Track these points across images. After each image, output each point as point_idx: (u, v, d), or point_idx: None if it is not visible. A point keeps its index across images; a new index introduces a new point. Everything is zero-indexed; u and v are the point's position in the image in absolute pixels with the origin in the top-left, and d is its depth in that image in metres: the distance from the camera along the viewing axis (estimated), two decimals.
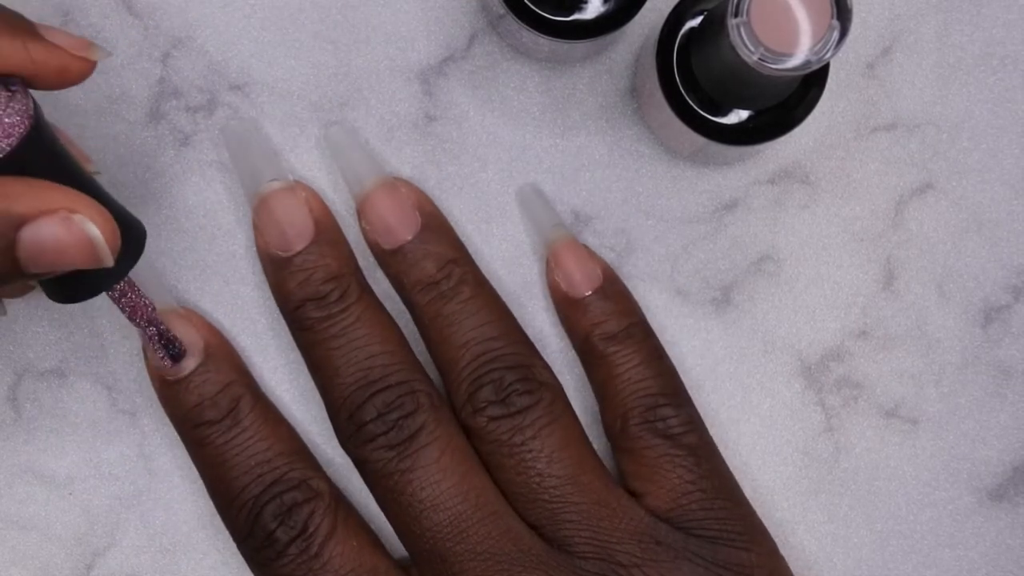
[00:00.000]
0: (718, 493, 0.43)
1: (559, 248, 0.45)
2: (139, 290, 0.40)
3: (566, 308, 0.44)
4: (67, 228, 0.35)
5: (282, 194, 0.43)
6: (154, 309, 0.40)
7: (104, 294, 0.39)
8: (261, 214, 0.43)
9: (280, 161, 0.45)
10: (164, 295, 0.44)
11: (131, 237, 0.38)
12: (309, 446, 0.45)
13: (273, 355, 0.45)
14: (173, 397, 0.43)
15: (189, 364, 0.42)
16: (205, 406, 0.42)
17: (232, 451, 0.42)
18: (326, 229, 0.43)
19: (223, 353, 0.43)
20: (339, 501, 0.43)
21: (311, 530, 0.41)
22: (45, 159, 0.37)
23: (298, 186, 0.44)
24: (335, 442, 0.43)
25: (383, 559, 0.42)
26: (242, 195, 0.45)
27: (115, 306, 0.40)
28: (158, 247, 0.45)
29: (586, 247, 0.45)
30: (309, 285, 0.42)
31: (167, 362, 0.42)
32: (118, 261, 0.37)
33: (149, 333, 0.41)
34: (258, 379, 0.45)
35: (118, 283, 0.39)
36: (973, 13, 0.46)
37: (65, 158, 0.37)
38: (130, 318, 0.40)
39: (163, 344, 0.41)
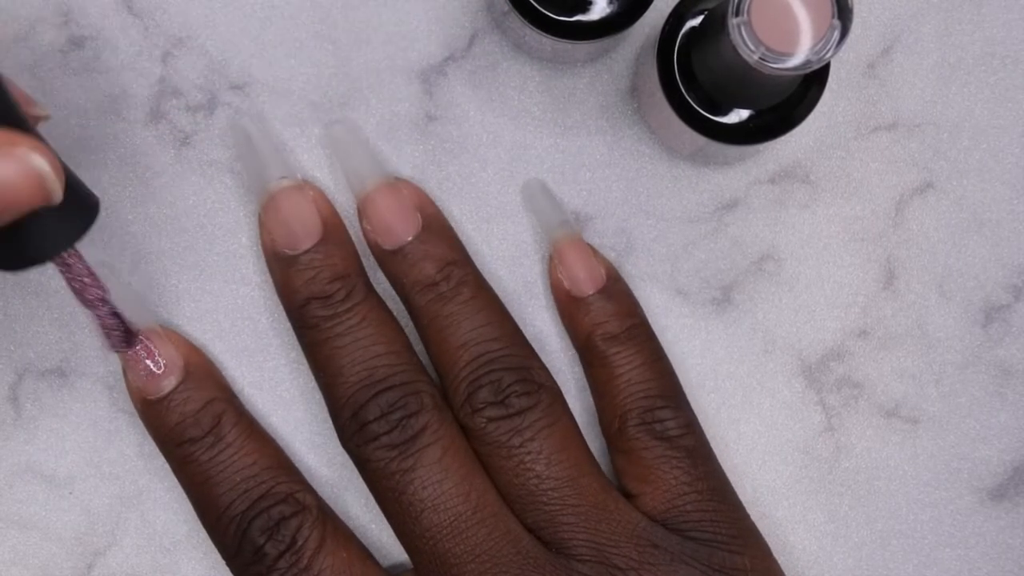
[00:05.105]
0: (713, 495, 0.42)
1: (564, 246, 0.44)
2: (88, 267, 0.38)
3: (568, 307, 0.44)
4: (12, 161, 0.34)
5: (291, 192, 0.43)
6: (106, 291, 0.39)
7: (56, 270, 0.37)
8: (269, 211, 0.43)
9: (288, 158, 0.45)
10: (145, 314, 0.44)
11: (80, 201, 0.36)
12: (307, 447, 0.45)
13: (274, 354, 0.45)
14: (155, 417, 0.42)
15: (169, 383, 0.42)
16: (187, 424, 0.42)
17: (216, 467, 0.42)
18: (333, 229, 0.43)
19: (203, 371, 0.43)
20: (326, 513, 0.43)
21: (300, 543, 0.41)
22: None
23: (306, 185, 0.44)
24: (331, 445, 0.43)
25: (373, 568, 0.42)
26: (243, 194, 0.45)
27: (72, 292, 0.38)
28: (158, 247, 0.45)
29: (590, 246, 0.45)
30: (315, 283, 0.42)
31: (119, 345, 0.40)
32: (65, 221, 0.35)
33: (99, 313, 0.39)
34: (259, 379, 0.45)
35: (66, 250, 0.37)
36: (973, 13, 0.46)
37: (4, 100, 0.35)
38: (78, 294, 0.38)
39: (114, 327, 0.40)
